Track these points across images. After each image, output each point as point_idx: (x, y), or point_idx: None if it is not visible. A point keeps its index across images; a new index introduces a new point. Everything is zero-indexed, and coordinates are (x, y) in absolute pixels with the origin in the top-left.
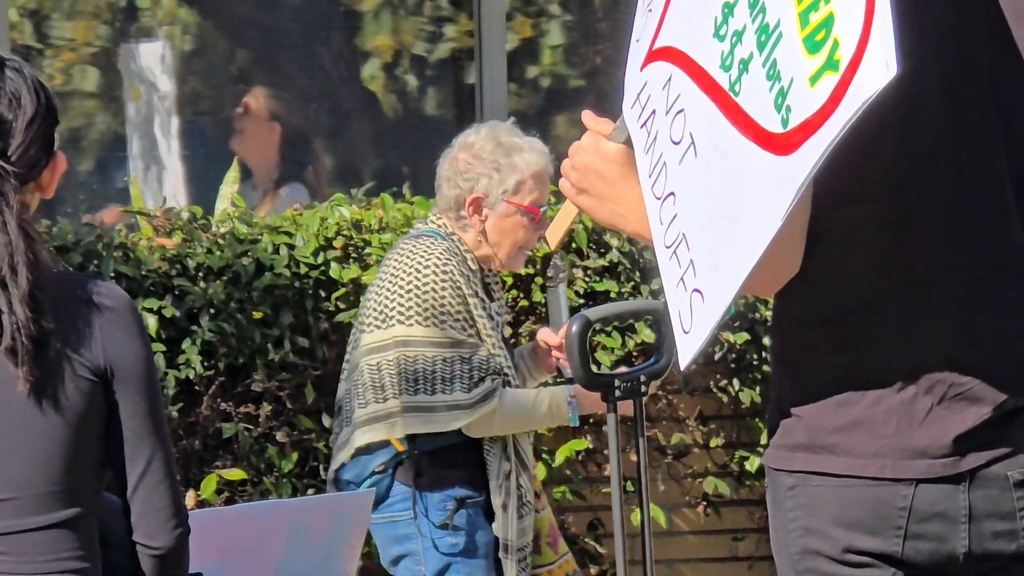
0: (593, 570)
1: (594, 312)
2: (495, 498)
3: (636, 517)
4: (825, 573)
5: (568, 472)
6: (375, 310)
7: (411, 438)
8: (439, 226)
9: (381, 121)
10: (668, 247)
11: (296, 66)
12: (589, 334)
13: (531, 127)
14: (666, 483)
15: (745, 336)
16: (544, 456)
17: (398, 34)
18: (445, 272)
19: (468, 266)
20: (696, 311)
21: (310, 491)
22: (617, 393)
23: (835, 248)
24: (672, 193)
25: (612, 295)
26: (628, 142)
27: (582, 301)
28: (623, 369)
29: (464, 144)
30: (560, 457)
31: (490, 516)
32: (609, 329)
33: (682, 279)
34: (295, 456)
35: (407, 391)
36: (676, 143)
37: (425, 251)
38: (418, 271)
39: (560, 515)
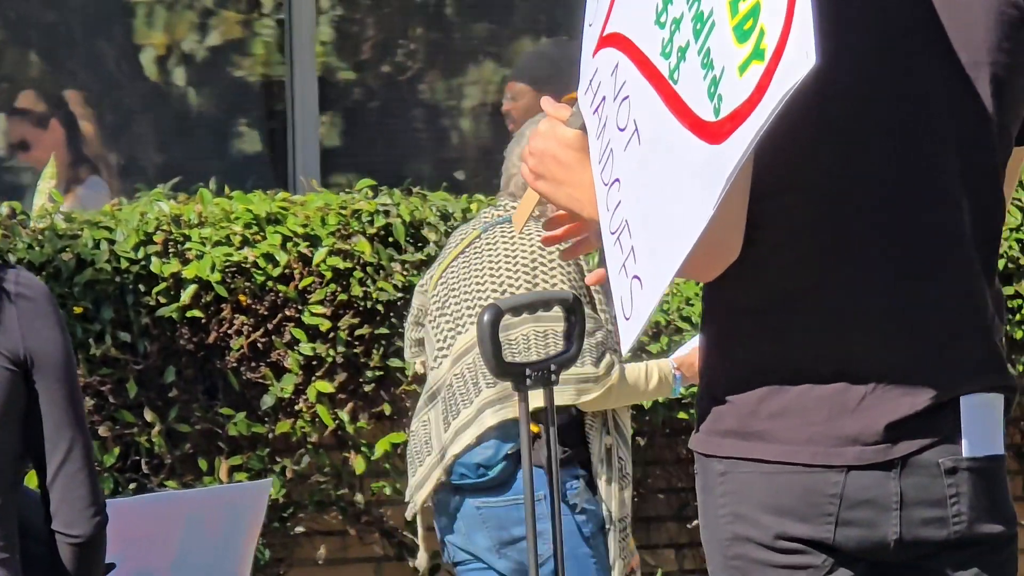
0: (411, 562)
1: (505, 302)
2: (599, 473)
3: None
4: (755, 559)
5: (387, 466)
6: (494, 291)
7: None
8: None
9: (178, 116)
10: (612, 233)
11: (85, 63)
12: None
13: None
14: None
15: None
16: (363, 449)
17: (179, 29)
18: None
19: None
20: (635, 298)
21: (131, 486)
22: (528, 382)
23: (770, 237)
24: (617, 179)
25: None
26: (585, 128)
27: (400, 294)
28: (534, 358)
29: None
30: (379, 450)
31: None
32: None
33: (624, 265)
34: (116, 451)
35: None
36: (621, 130)
37: (537, 232)
38: (539, 249)
39: (379, 508)
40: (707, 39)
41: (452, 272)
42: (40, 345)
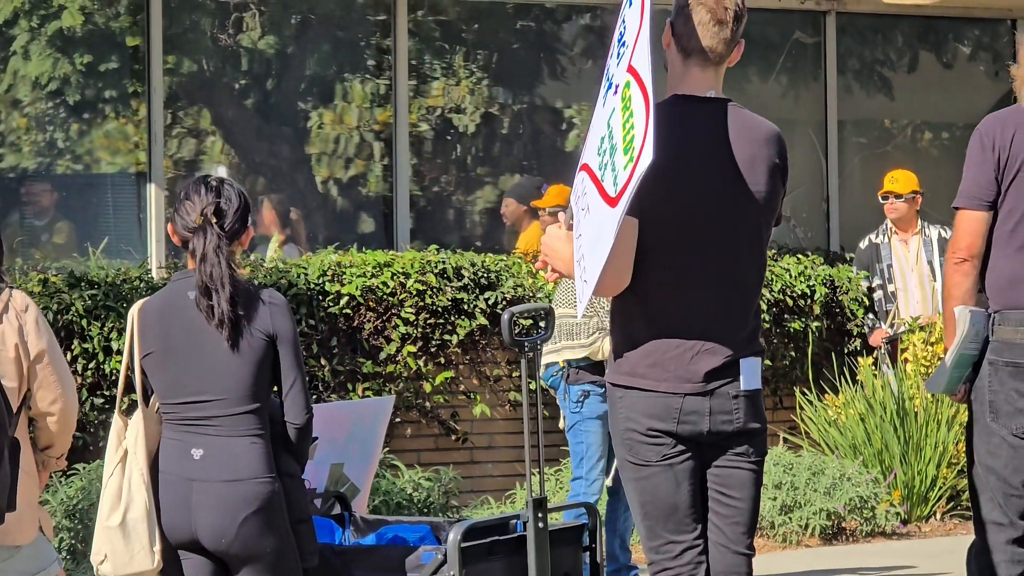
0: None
1: (516, 308)
2: None
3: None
4: (636, 440)
5: (441, 393)
6: None
7: None
8: None
9: (333, 211)
10: (578, 262)
11: (287, 183)
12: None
13: None
14: None
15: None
16: (428, 380)
17: (336, 166)
18: None
19: None
20: (583, 291)
21: (314, 397)
22: (526, 348)
23: (646, 271)
24: (580, 235)
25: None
26: (571, 226)
27: (450, 303)
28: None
29: None
30: (438, 380)
31: None
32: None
33: (581, 275)
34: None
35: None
36: (583, 210)
37: None
38: None
39: (440, 409)
40: (613, 157)
41: None
42: (279, 328)
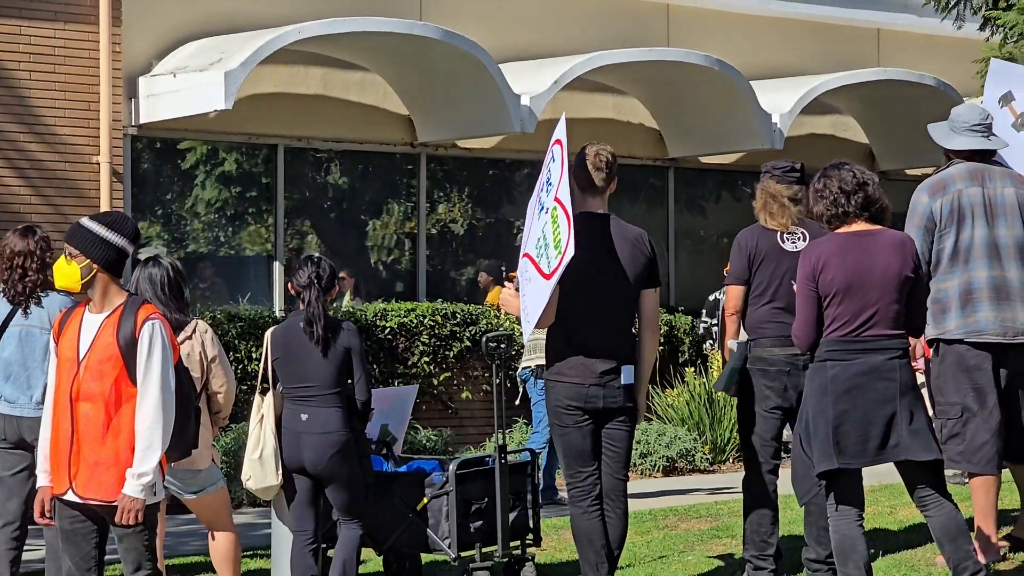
0: None
1: (489, 335)
2: None
3: None
4: (561, 412)
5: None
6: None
7: None
8: None
9: (381, 275)
10: (524, 309)
11: (352, 253)
12: (486, 340)
13: None
14: None
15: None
16: (438, 385)
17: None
18: None
19: None
20: (526, 325)
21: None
22: (495, 358)
23: (562, 313)
24: (525, 294)
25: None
26: (518, 288)
27: (449, 334)
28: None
29: None
30: (439, 379)
31: None
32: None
33: (525, 317)
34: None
35: None
36: (527, 280)
37: None
38: None
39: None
40: (546, 250)
41: None
42: (352, 344)
